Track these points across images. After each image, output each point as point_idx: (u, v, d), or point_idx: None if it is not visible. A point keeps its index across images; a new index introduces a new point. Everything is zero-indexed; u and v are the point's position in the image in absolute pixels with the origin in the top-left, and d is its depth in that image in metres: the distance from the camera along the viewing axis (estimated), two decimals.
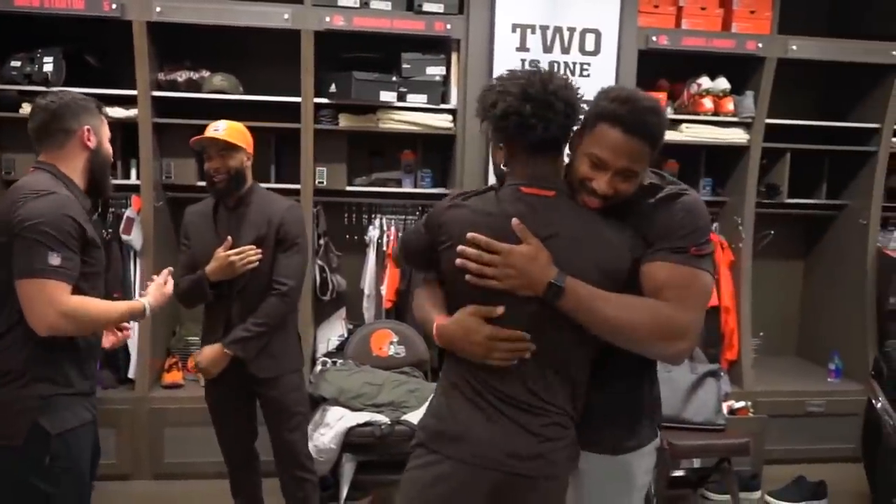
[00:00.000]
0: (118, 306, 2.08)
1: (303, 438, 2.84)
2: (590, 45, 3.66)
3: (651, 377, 1.77)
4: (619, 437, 1.69)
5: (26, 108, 3.52)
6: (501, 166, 1.65)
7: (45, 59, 3.46)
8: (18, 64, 3.48)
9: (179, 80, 3.64)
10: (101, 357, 2.97)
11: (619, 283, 1.57)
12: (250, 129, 2.77)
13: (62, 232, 1.85)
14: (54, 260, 1.82)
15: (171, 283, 2.26)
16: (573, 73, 3.65)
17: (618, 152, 1.53)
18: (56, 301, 1.82)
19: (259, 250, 2.62)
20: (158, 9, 3.43)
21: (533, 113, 1.53)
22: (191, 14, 3.48)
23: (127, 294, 3.58)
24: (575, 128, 1.62)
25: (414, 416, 3.26)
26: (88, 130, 2.04)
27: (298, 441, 2.80)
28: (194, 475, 3.50)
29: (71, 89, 2.18)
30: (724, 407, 3.53)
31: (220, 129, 2.64)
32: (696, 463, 3.52)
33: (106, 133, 2.13)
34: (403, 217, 4.02)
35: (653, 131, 1.56)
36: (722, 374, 3.54)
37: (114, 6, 3.41)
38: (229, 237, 2.61)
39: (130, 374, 3.67)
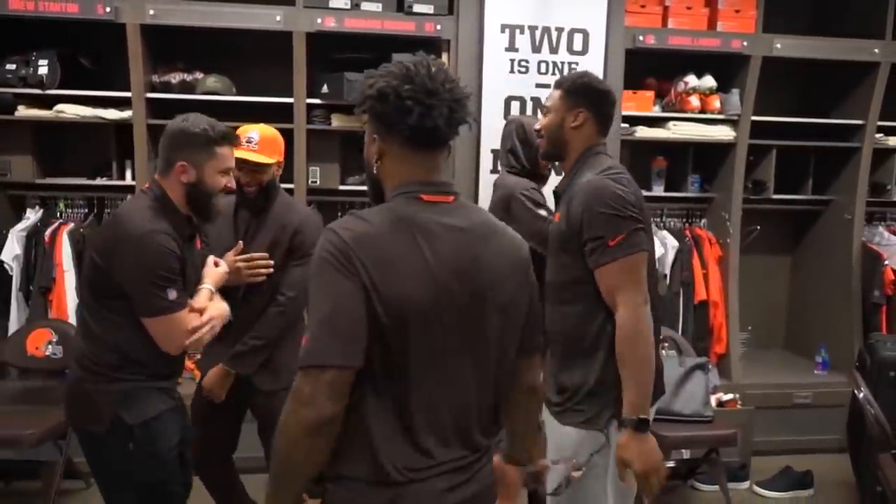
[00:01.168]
0: (203, 302, 2.13)
1: None
2: (578, 44, 3.71)
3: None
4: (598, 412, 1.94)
5: (21, 111, 3.57)
6: (374, 163, 1.44)
7: (41, 62, 3.49)
8: (13, 66, 3.51)
9: (173, 81, 3.67)
10: None
11: (526, 271, 1.50)
12: None
13: (171, 269, 1.98)
14: (172, 295, 1.97)
15: (221, 263, 2.30)
16: (561, 73, 3.70)
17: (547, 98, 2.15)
18: (183, 326, 2.02)
19: (270, 261, 2.53)
20: (152, 11, 3.47)
21: (412, 95, 1.34)
22: (183, 16, 3.52)
23: None
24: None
25: None
26: (182, 167, 2.03)
27: None
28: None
29: (196, 115, 2.10)
30: (713, 399, 3.60)
31: (254, 140, 2.52)
32: (686, 454, 3.60)
33: (215, 167, 2.07)
34: None
35: (561, 80, 2.11)
36: (710, 367, 3.61)
37: (108, 9, 3.44)
38: (241, 242, 2.53)
39: None
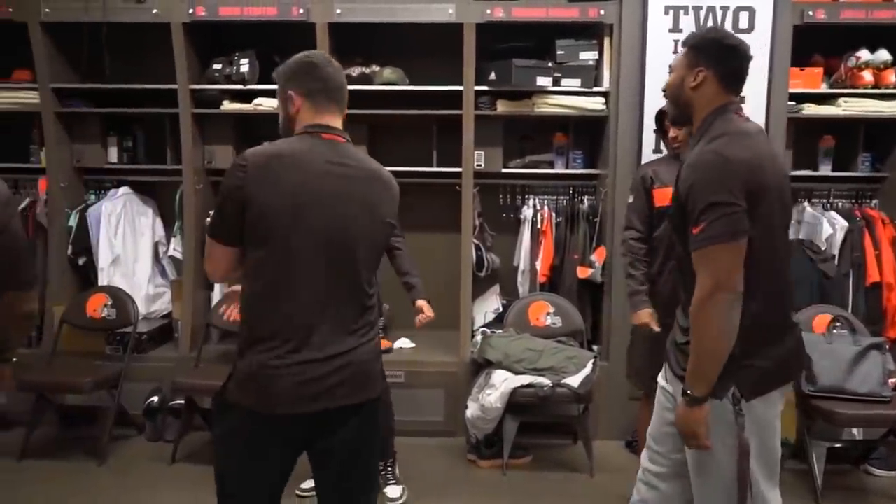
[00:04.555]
0: None
1: None
2: (743, 22, 3.71)
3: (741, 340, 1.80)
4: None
5: (226, 105, 4.02)
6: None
7: (242, 61, 3.94)
8: (219, 66, 3.98)
9: (353, 74, 4.01)
10: None
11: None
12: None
13: None
14: None
15: None
16: None
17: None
18: None
19: None
20: (338, 10, 3.82)
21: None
22: (366, 14, 3.84)
23: None
24: None
25: (573, 381, 3.46)
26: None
27: None
28: None
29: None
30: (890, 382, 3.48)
31: None
32: (859, 435, 3.50)
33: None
34: (555, 197, 4.22)
35: (689, 36, 1.99)
36: (887, 348, 3.49)
37: (301, 11, 3.82)
38: None
39: None
